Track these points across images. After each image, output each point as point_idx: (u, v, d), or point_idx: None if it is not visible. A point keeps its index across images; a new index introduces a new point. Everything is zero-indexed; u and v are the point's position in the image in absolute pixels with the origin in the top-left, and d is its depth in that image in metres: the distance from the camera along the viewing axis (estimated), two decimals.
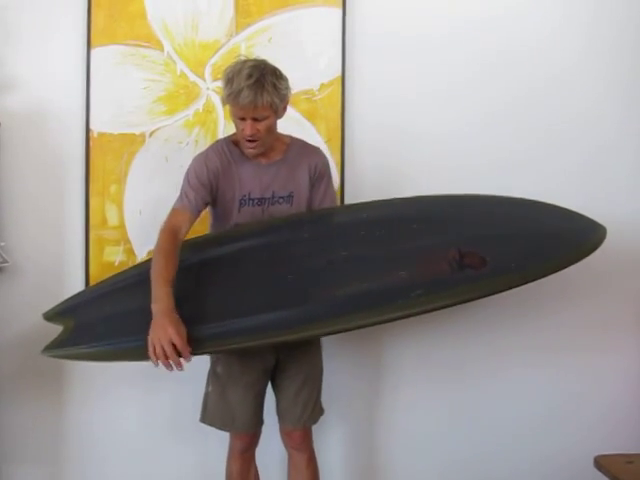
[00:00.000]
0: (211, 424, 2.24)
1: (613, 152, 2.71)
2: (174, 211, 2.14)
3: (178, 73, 2.54)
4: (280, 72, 2.07)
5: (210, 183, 2.14)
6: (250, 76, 1.99)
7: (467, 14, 2.64)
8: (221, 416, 2.22)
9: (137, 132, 2.53)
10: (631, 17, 2.69)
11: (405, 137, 2.63)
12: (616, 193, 2.71)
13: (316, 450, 2.32)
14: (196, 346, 1.90)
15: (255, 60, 2.08)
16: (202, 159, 2.18)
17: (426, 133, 2.63)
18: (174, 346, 1.85)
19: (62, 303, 2.21)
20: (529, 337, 2.68)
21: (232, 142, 2.19)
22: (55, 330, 2.13)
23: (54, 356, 2.08)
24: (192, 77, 2.54)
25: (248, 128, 2.04)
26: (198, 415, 2.26)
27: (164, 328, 1.86)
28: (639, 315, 2.72)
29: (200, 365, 2.24)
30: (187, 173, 2.17)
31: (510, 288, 1.96)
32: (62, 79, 2.52)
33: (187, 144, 2.53)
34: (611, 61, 2.69)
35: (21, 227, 2.51)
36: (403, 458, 2.71)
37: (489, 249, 2.01)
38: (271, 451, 2.44)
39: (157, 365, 1.88)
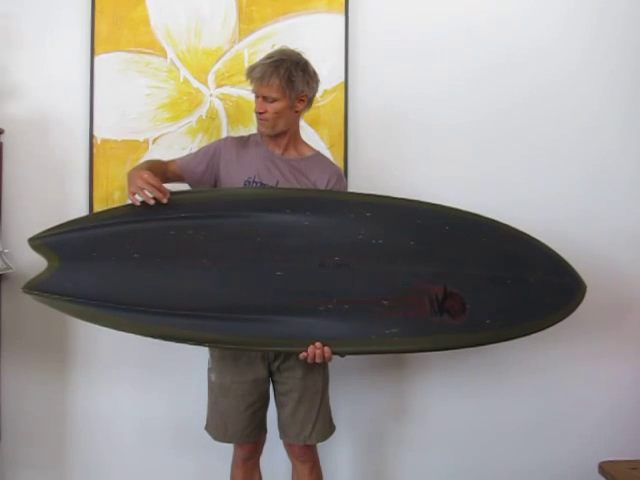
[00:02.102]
0: (209, 433, 2.24)
1: (615, 160, 2.70)
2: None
3: (181, 80, 2.55)
4: (306, 67, 2.14)
5: (212, 157, 2.21)
6: (271, 57, 2.12)
7: (469, 21, 2.64)
8: (215, 426, 2.22)
9: (141, 139, 2.53)
10: (633, 24, 2.69)
11: (409, 143, 2.63)
12: (618, 201, 2.71)
13: (323, 463, 2.31)
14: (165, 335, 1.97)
15: (289, 49, 2.17)
16: (225, 137, 2.34)
17: (430, 140, 2.63)
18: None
19: (49, 231, 2.05)
20: (532, 343, 2.67)
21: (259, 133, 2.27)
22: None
23: (35, 298, 1.98)
24: (195, 84, 2.55)
25: (258, 104, 2.13)
26: (200, 422, 2.27)
27: (138, 177, 2.02)
28: None
29: (203, 369, 2.26)
30: None
31: (481, 345, 2.08)
32: (65, 86, 2.53)
33: (190, 150, 2.52)
34: (613, 68, 2.69)
35: (25, 234, 2.47)
36: (411, 471, 2.71)
37: (473, 292, 2.06)
38: (276, 459, 2.44)
39: (139, 203, 2.02)
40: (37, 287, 1.97)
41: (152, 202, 2.02)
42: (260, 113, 2.13)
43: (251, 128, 2.28)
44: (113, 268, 2.00)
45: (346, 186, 2.31)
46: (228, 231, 2.06)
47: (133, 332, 1.99)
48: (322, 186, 2.18)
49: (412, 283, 2.05)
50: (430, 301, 2.03)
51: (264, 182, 2.17)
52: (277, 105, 2.11)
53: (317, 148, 2.35)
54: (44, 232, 2.05)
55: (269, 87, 2.09)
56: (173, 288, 2.00)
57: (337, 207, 2.13)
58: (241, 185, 2.17)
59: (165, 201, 2.03)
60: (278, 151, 2.21)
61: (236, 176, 2.18)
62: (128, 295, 1.98)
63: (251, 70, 2.12)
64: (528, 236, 2.21)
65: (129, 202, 2.06)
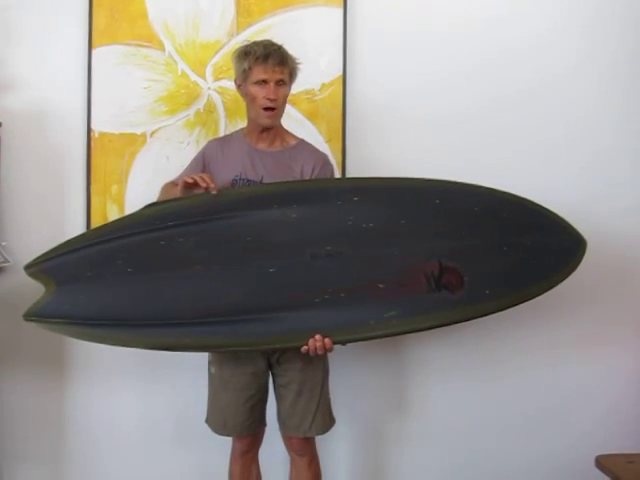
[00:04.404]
0: (209, 426, 2.25)
1: (612, 152, 2.70)
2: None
3: (179, 73, 2.54)
4: None
5: (203, 163, 2.22)
6: (273, 44, 2.14)
7: (468, 13, 2.63)
8: (214, 419, 2.23)
9: (138, 132, 2.53)
10: (630, 17, 2.68)
11: (407, 137, 2.63)
12: (615, 192, 2.70)
13: (321, 457, 2.31)
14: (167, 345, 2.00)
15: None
16: (208, 141, 2.33)
17: (429, 133, 2.63)
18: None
19: (43, 257, 2.08)
20: (529, 336, 2.68)
21: (241, 130, 2.27)
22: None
23: (36, 324, 2.02)
24: (193, 77, 2.55)
25: (272, 91, 2.10)
26: (200, 415, 2.27)
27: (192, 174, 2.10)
28: None
29: (203, 362, 2.26)
30: None
31: (483, 316, 2.05)
32: (63, 79, 2.53)
33: (188, 144, 2.53)
34: (610, 61, 2.69)
35: (22, 227, 2.52)
36: (410, 464, 2.71)
37: (470, 263, 2.04)
38: (274, 453, 2.43)
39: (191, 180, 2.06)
40: (37, 313, 2.02)
41: (204, 185, 2.05)
42: (272, 100, 2.11)
43: None
44: (109, 285, 2.02)
45: (333, 171, 2.30)
46: (217, 234, 2.06)
47: (136, 347, 2.02)
48: (308, 173, 2.18)
49: (407, 263, 2.04)
50: (427, 278, 2.02)
51: (250, 178, 2.17)
52: (286, 90, 2.15)
53: (315, 142, 2.35)
54: (38, 258, 2.08)
55: (287, 70, 2.12)
56: (170, 298, 2.01)
57: (323, 196, 2.12)
58: (229, 183, 2.17)
59: (215, 192, 2.06)
60: (263, 145, 2.21)
61: (224, 175, 2.18)
62: (126, 311, 2.00)
63: (264, 58, 2.09)
64: (522, 199, 2.18)
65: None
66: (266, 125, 2.17)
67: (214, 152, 2.23)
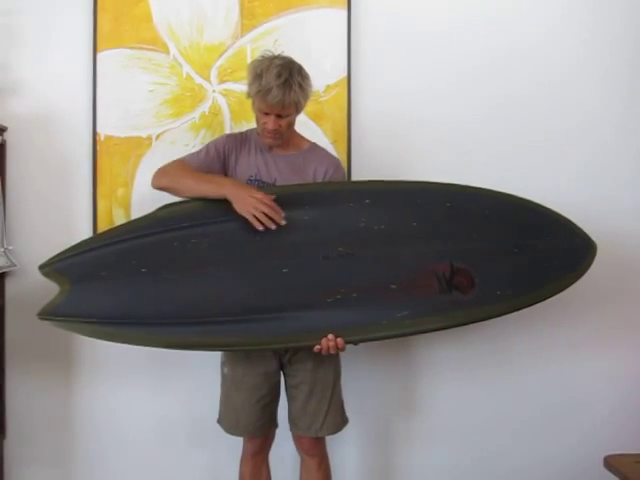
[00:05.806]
0: (221, 426, 2.26)
1: (616, 152, 2.69)
2: (179, 159, 2.21)
3: (184, 76, 2.54)
4: (305, 71, 2.12)
5: (224, 155, 2.20)
6: (279, 76, 2.04)
7: (471, 15, 2.63)
8: (227, 419, 2.24)
9: (144, 135, 2.54)
10: (631, 16, 2.68)
11: (412, 138, 2.63)
12: (620, 192, 2.70)
13: (330, 457, 2.31)
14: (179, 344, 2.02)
15: (283, 58, 2.11)
16: (225, 135, 2.32)
17: (433, 134, 2.63)
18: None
19: (57, 257, 2.09)
20: (536, 337, 2.68)
21: (255, 131, 2.26)
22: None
23: (50, 323, 2.03)
24: (198, 80, 2.55)
25: (271, 123, 2.10)
26: (210, 416, 2.28)
27: (249, 195, 2.04)
28: None
29: (215, 364, 2.27)
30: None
31: (494, 317, 2.08)
32: (68, 83, 2.53)
33: (194, 147, 2.52)
34: (612, 59, 2.68)
35: (28, 231, 2.53)
36: (418, 464, 2.70)
37: (480, 265, 2.07)
38: (284, 453, 2.44)
39: (262, 228, 2.02)
40: (51, 312, 2.03)
41: (273, 227, 2.03)
42: (272, 130, 2.11)
43: (254, 124, 2.28)
44: (123, 285, 2.04)
45: (344, 175, 2.32)
46: (230, 235, 2.08)
47: (149, 345, 2.03)
48: (320, 177, 2.19)
49: (418, 264, 2.06)
50: (438, 279, 2.04)
51: (264, 180, 2.18)
52: (290, 118, 2.13)
53: (320, 143, 2.35)
54: (52, 258, 2.10)
55: (288, 107, 2.07)
56: (183, 298, 2.03)
57: (336, 198, 2.13)
58: (244, 182, 2.17)
59: (283, 223, 2.04)
60: (276, 150, 2.21)
61: (240, 173, 2.19)
62: (140, 310, 2.01)
63: (265, 93, 2.04)
64: (532, 203, 2.21)
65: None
66: (268, 146, 2.18)
67: (232, 147, 2.21)
